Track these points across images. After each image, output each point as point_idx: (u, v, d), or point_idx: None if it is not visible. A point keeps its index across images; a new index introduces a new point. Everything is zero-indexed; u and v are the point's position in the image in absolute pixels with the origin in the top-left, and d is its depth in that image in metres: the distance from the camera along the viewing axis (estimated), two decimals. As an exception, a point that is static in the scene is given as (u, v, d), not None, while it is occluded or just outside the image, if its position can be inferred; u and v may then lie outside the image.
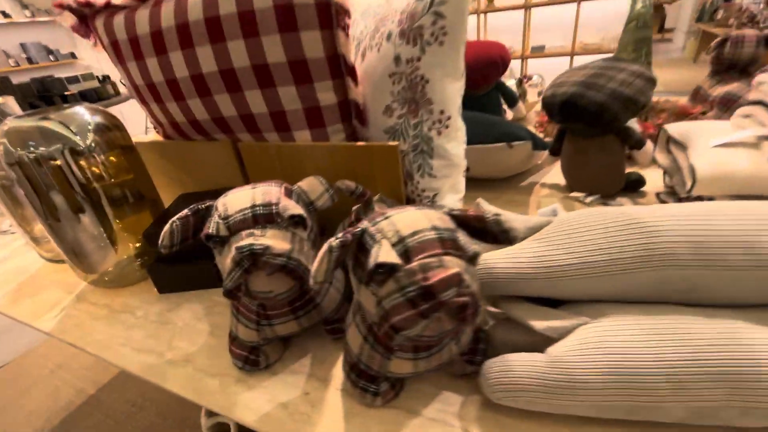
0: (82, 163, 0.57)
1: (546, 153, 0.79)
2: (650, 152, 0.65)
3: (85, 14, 0.65)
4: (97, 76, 3.32)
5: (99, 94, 3.08)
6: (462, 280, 0.27)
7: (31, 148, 0.53)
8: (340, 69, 0.56)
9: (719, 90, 0.97)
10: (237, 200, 0.37)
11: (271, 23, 0.51)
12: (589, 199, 0.70)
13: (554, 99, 0.66)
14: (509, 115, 1.07)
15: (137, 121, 5.53)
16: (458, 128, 0.54)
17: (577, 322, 0.36)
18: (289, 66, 0.53)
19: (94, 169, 0.59)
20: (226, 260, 0.35)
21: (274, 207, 0.36)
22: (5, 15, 4.50)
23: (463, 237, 0.30)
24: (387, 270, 0.29)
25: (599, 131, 0.65)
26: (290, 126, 0.59)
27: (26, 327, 0.61)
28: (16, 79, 2.91)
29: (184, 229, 0.38)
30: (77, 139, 0.55)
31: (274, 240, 0.35)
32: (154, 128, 0.78)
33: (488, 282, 0.39)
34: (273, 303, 0.40)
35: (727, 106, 0.92)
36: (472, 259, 0.30)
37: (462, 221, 0.32)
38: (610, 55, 0.78)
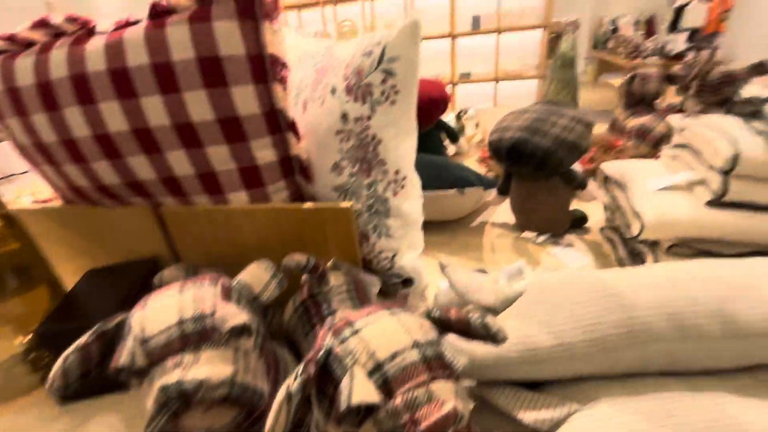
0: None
1: (494, 191, 0.79)
2: (592, 191, 0.68)
3: (-55, 59, 0.52)
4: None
5: (-17, 128, 2.63)
6: (457, 415, 0.22)
7: None
8: (279, 124, 0.50)
9: (633, 122, 1.07)
10: (159, 314, 0.29)
11: (194, 78, 0.43)
12: (540, 239, 0.71)
13: (501, 144, 0.66)
14: (451, 149, 1.08)
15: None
16: (414, 185, 0.50)
17: (568, 411, 0.33)
18: (219, 124, 0.46)
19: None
20: (147, 400, 0.27)
21: (208, 319, 0.29)
22: None
23: (448, 348, 0.25)
24: (363, 411, 0.23)
25: (545, 174, 0.66)
26: (223, 188, 0.51)
27: None
28: None
29: (84, 363, 0.29)
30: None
31: (211, 366, 0.27)
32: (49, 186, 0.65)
33: (468, 369, 0.35)
34: (213, 433, 0.32)
35: (642, 137, 1.01)
36: (459, 376, 0.25)
37: (444, 325, 0.28)
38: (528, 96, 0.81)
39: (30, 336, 0.53)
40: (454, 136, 1.01)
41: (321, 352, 0.25)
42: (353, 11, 3.41)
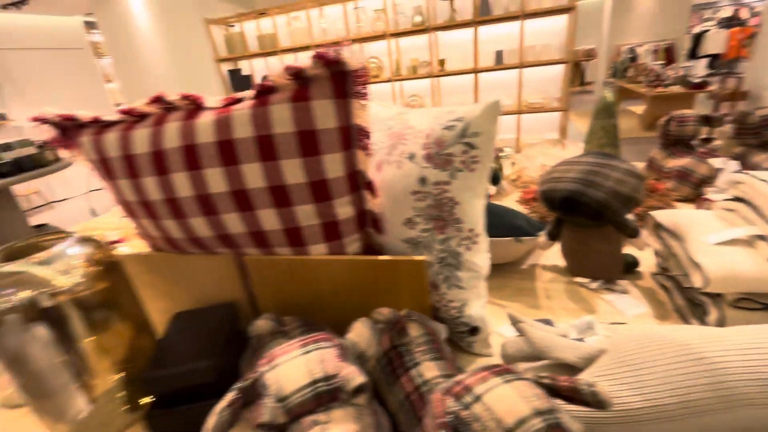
0: (61, 298, 0.50)
1: (543, 235, 0.82)
2: (644, 239, 0.70)
3: (68, 127, 0.60)
4: (36, 142, 3.07)
5: (37, 161, 2.84)
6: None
7: (8, 296, 0.45)
8: (358, 183, 0.55)
9: (673, 163, 1.09)
10: (292, 375, 0.33)
11: (292, 148, 0.49)
12: (594, 285, 0.72)
13: (554, 194, 0.69)
14: (492, 190, 1.12)
15: (80, 183, 5.15)
16: (484, 240, 0.54)
17: (661, 472, 0.35)
18: (309, 186, 0.51)
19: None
20: (286, 454, 0.30)
21: (336, 381, 0.32)
22: (-77, 77, 4.12)
23: (564, 415, 0.28)
24: (498, 474, 0.26)
25: (598, 223, 0.68)
26: (305, 241, 0.56)
27: None
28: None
29: (234, 417, 0.33)
30: (63, 279, 0.48)
31: (342, 424, 0.31)
32: (138, 233, 0.71)
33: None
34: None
35: (684, 179, 1.02)
36: (576, 440, 0.28)
37: (554, 391, 0.30)
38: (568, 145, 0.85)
39: (122, 374, 0.58)
40: (496, 178, 1.05)
41: (450, 416, 0.28)
42: (379, 47, 3.58)
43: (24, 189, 4.86)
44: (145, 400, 0.57)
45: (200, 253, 0.63)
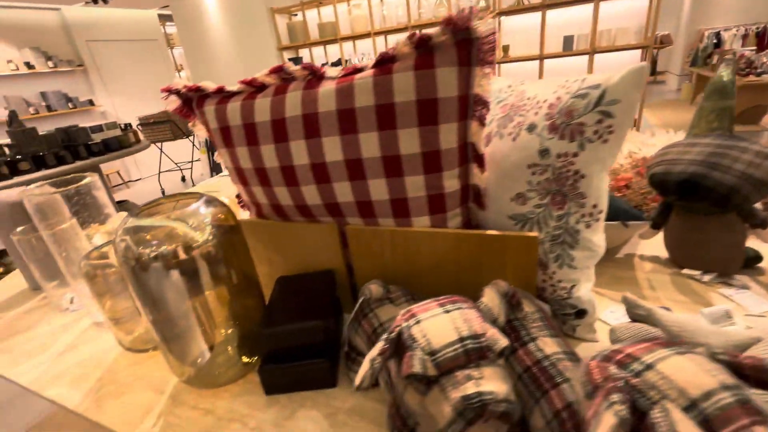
0: (194, 254, 0.54)
1: (646, 224, 0.76)
2: (774, 231, 0.63)
3: (191, 98, 0.64)
4: (120, 125, 3.37)
5: (121, 142, 3.11)
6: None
7: (152, 248, 0.49)
8: (467, 156, 0.54)
9: (792, 152, 0.97)
10: (439, 330, 0.33)
11: (411, 117, 0.49)
12: (706, 278, 0.67)
13: (669, 177, 0.64)
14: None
15: (151, 165, 5.60)
16: (604, 218, 0.51)
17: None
18: (422, 157, 0.51)
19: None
20: (438, 405, 0.31)
21: (483, 340, 0.32)
22: (29, 66, 4.65)
23: (752, 392, 0.26)
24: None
25: (723, 210, 0.62)
26: (410, 212, 0.57)
27: None
28: (37, 127, 2.92)
29: (382, 366, 0.34)
30: (196, 234, 0.52)
31: (494, 382, 0.31)
32: (239, 203, 0.75)
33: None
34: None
35: (808, 170, 0.91)
36: None
37: (734, 368, 0.28)
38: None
39: (231, 329, 0.62)
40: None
41: (620, 382, 0.27)
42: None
43: (106, 168, 5.38)
44: (246, 359, 0.61)
45: (304, 221, 0.65)
